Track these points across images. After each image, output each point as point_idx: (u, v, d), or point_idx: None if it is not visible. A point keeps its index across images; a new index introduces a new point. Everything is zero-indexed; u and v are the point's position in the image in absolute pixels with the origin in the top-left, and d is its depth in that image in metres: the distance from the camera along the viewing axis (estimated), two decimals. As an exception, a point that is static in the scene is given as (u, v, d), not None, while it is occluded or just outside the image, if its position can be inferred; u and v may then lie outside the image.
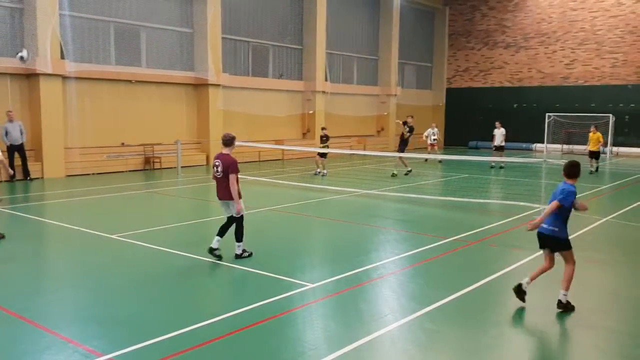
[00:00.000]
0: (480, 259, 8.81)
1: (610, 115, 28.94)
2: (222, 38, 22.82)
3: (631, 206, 13.59)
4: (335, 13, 28.57)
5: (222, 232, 8.35)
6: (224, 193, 8.22)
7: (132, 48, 20.56)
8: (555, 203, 6.35)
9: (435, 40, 36.38)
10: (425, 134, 24.82)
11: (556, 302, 6.45)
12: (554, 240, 6.47)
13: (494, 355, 5.48)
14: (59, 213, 12.59)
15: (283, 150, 24.26)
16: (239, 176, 8.26)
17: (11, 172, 10.50)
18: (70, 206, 13.46)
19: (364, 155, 25.04)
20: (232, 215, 8.35)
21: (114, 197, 14.50)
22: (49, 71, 17.41)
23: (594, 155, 20.59)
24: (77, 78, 18.62)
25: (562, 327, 6.18)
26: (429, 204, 13.52)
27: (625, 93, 29.88)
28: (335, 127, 25.39)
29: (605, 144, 24.71)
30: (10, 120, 16.61)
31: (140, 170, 20.24)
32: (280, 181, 17.12)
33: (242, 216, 8.32)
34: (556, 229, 6.41)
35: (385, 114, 31.96)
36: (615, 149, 29.70)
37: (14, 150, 16.67)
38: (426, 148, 24.92)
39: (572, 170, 6.53)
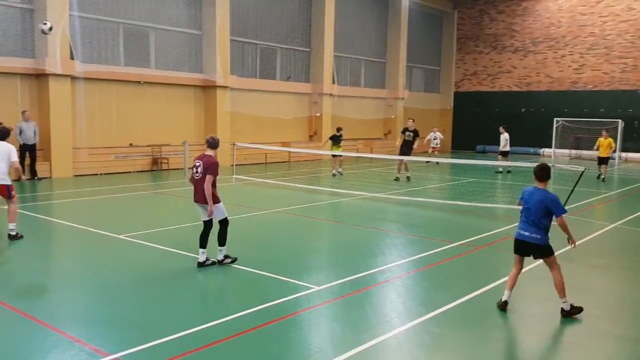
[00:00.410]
0: (488, 264, 8.78)
1: (620, 120, 28.77)
2: (230, 40, 22.89)
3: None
4: (344, 15, 28.59)
5: (204, 242, 8.01)
6: (203, 196, 7.86)
7: (141, 49, 20.65)
8: (563, 217, 6.30)
9: (444, 44, 36.35)
10: (428, 137, 24.79)
11: (560, 312, 6.41)
12: (537, 248, 6.41)
13: (501, 361, 5.46)
14: (67, 213, 12.65)
15: (289, 152, 24.29)
16: (218, 180, 8.00)
17: (23, 177, 10.44)
18: (78, 206, 13.52)
19: (371, 158, 25.00)
20: (209, 220, 8.03)
21: (121, 197, 14.55)
22: (59, 71, 17.51)
23: (604, 161, 20.15)
24: (86, 78, 18.71)
25: (571, 334, 6.13)
26: (436, 208, 13.48)
27: (635, 98, 29.73)
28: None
29: (614, 150, 24.52)
30: (26, 120, 16.73)
31: (148, 171, 20.31)
32: (287, 183, 17.13)
33: (226, 219, 8.05)
34: (539, 237, 6.36)
35: (393, 117, 31.94)
36: (624, 154, 29.54)
37: (26, 149, 16.77)
38: (426, 151, 24.90)
39: (544, 173, 6.50)
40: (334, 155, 19.67)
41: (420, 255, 9.01)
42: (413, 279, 7.80)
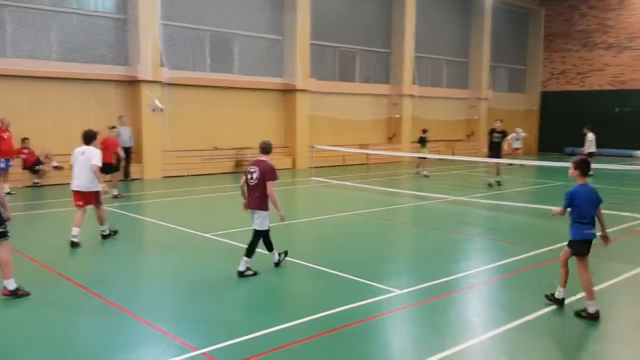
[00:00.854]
0: (576, 272, 8.38)
1: None
2: (310, 44, 23.17)
3: None
4: (424, 15, 28.19)
5: (250, 252, 7.70)
6: (258, 202, 7.58)
7: (226, 55, 21.30)
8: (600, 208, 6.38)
9: (530, 42, 35.09)
10: (509, 137, 24.01)
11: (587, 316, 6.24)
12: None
13: (592, 373, 5.22)
14: (157, 212, 13.26)
15: (368, 154, 24.25)
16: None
17: (107, 192, 10.23)
18: (167, 206, 14.12)
19: (452, 160, 24.52)
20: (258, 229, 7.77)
21: (207, 197, 15.07)
22: (149, 78, 18.39)
23: None
24: (174, 84, 19.54)
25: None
26: (521, 212, 13.04)
27: None
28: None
29: None
30: (123, 125, 17.72)
31: (231, 172, 20.90)
32: (366, 185, 17.12)
33: (262, 232, 7.75)
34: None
35: (476, 118, 31.19)
36: None
37: (125, 152, 17.73)
38: (509, 154, 24.09)
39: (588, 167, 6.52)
40: (419, 157, 20.07)
41: (505, 261, 8.75)
42: (497, 286, 7.59)
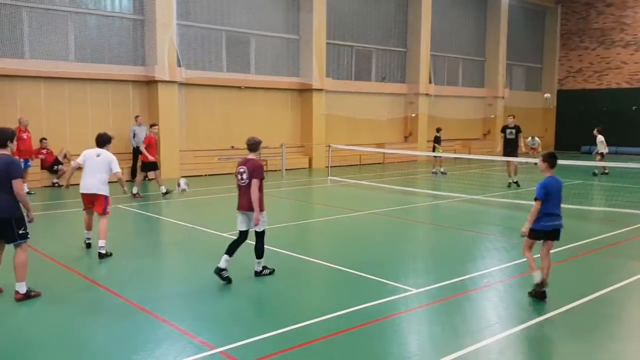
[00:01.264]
0: (595, 270, 8.35)
1: None
2: (326, 43, 23.20)
3: None
4: (441, 14, 28.12)
5: (231, 251, 7.47)
6: (250, 203, 7.30)
7: (242, 55, 21.41)
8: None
9: (546, 40, 34.81)
10: (527, 141, 23.98)
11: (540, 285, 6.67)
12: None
13: (611, 373, 5.20)
14: (175, 211, 13.37)
15: (384, 153, 24.23)
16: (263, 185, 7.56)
17: (126, 190, 9.52)
18: (185, 205, 14.22)
19: (469, 159, 24.40)
20: (246, 231, 7.54)
21: (224, 197, 15.15)
22: (167, 78, 18.54)
23: None
24: (191, 84, 19.69)
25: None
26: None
27: None
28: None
29: None
30: (139, 125, 17.88)
31: (247, 172, 20.94)
32: (382, 185, 17.11)
33: (263, 231, 7.59)
34: None
35: (492, 116, 31.02)
36: None
37: (139, 152, 17.86)
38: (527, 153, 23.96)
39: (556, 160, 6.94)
40: (435, 156, 20.31)
41: (522, 259, 8.66)
42: (515, 284, 7.56)
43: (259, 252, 7.66)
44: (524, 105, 32.79)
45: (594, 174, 20.59)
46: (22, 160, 14.76)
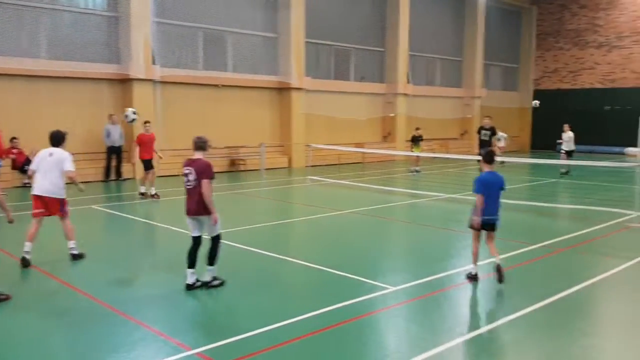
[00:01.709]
0: (569, 267, 8.45)
1: None
2: (305, 42, 23.16)
3: None
4: (418, 14, 28.24)
5: (192, 262, 7.03)
6: (199, 207, 6.87)
7: (219, 53, 21.27)
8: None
9: (522, 41, 35.23)
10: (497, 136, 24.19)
11: (497, 269, 7.10)
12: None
13: (586, 368, 5.25)
14: (150, 212, 13.20)
15: (363, 153, 24.28)
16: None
17: (82, 187, 8.80)
18: (160, 205, 14.07)
19: (446, 158, 24.61)
20: (200, 236, 7.09)
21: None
22: (142, 76, 18.32)
23: None
24: (167, 83, 19.48)
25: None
26: (514, 209, 13.07)
27: None
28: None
29: None
30: (113, 123, 17.62)
31: (226, 172, 20.86)
32: (361, 184, 17.13)
33: (219, 235, 7.05)
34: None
35: (470, 116, 31.29)
36: None
37: (113, 152, 17.66)
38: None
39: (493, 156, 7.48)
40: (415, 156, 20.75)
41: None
42: (491, 282, 7.60)
43: (212, 258, 7.09)
44: (501, 105, 33.16)
45: (563, 174, 20.17)
46: (-7, 160, 14.48)
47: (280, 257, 8.71)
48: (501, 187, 7.40)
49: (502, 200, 7.58)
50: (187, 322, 6.13)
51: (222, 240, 7.21)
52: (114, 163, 17.80)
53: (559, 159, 20.43)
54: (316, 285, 7.57)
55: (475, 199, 7.33)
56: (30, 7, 16.81)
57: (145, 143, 14.11)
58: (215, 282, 7.15)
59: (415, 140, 21.07)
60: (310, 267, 8.16)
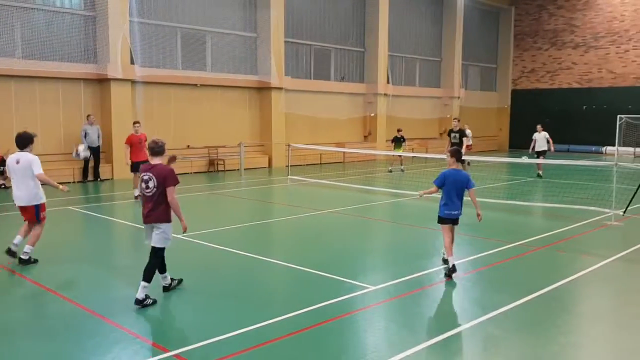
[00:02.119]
0: (547, 265, 8.53)
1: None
2: (285, 41, 23.10)
3: None
4: (398, 15, 28.41)
5: (162, 268, 6.88)
6: (158, 214, 6.54)
7: (198, 53, 21.12)
8: (473, 190, 7.66)
9: (501, 41, 35.59)
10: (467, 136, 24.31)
11: (449, 267, 7.42)
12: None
13: (563, 365, 5.29)
14: (128, 213, 13.06)
15: (344, 153, 24.30)
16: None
17: (63, 188, 8.44)
18: (138, 206, 13.89)
19: (426, 158, 24.74)
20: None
21: (179, 197, 14.86)
22: (119, 76, 18.11)
23: None
24: (145, 82, 19.29)
25: None
26: (493, 208, 13.18)
27: None
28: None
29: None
30: (91, 124, 17.40)
31: (205, 172, 20.73)
32: (342, 184, 17.14)
33: (163, 248, 6.67)
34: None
35: (449, 116, 31.47)
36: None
37: (90, 152, 17.39)
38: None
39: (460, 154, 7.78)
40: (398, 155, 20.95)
41: (478, 255, 8.84)
42: (470, 280, 7.65)
43: (160, 268, 6.79)
44: (479, 105, 33.47)
45: (539, 176, 19.85)
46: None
47: (260, 257, 8.66)
48: (465, 184, 7.58)
49: (481, 199, 7.69)
50: (164, 323, 6.07)
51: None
52: (91, 164, 17.56)
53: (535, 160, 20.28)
54: (296, 286, 7.54)
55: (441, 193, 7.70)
56: (5, 5, 16.51)
57: (136, 144, 13.73)
58: (174, 283, 7.03)
59: (397, 141, 21.21)
60: (290, 268, 8.13)
